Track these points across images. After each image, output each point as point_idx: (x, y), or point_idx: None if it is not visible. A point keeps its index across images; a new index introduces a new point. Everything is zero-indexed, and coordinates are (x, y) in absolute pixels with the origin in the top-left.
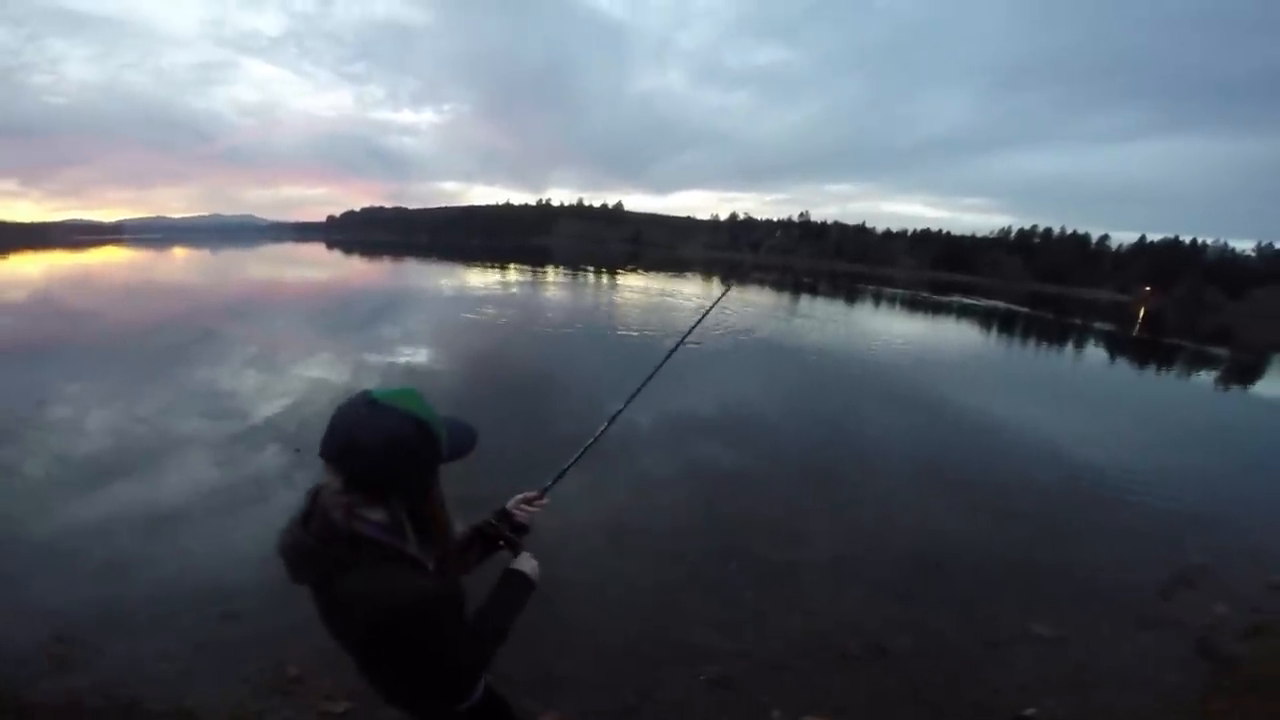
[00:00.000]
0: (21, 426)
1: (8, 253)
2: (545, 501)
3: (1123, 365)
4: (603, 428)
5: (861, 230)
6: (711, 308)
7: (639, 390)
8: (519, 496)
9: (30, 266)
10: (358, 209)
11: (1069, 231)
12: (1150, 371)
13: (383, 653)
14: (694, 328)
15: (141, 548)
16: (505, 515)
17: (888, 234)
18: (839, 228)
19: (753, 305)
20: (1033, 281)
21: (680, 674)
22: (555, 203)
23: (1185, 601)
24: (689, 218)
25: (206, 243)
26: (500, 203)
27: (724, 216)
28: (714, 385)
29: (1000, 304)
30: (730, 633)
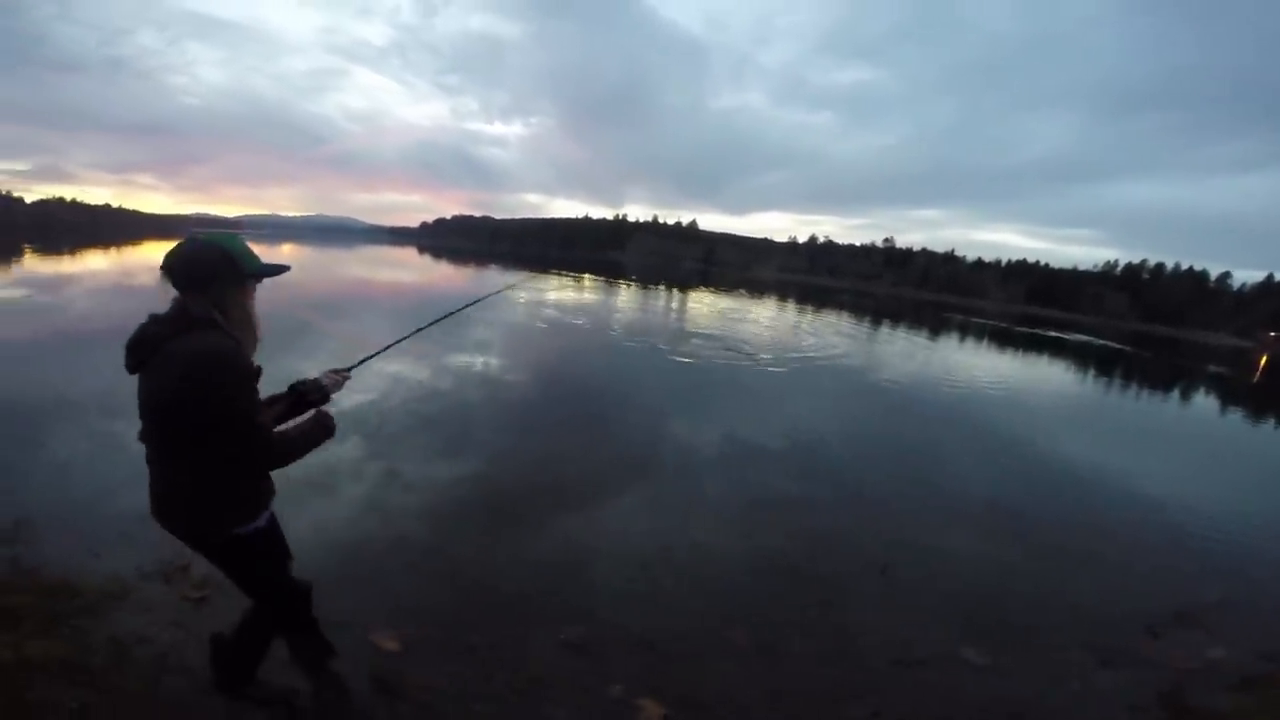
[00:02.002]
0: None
1: (143, 240)
2: (349, 378)
3: (1232, 412)
4: (409, 334)
5: (950, 259)
6: (515, 285)
7: (445, 317)
8: (330, 369)
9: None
10: (448, 216)
11: (1183, 268)
12: (1265, 422)
13: (189, 394)
14: (504, 289)
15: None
16: (316, 381)
17: (979, 263)
18: (925, 255)
19: (829, 332)
20: (1139, 321)
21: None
22: (631, 218)
23: (1176, 641)
24: (765, 239)
25: (311, 241)
26: (578, 216)
27: (803, 239)
28: (780, 409)
29: (1100, 341)
30: (622, 608)
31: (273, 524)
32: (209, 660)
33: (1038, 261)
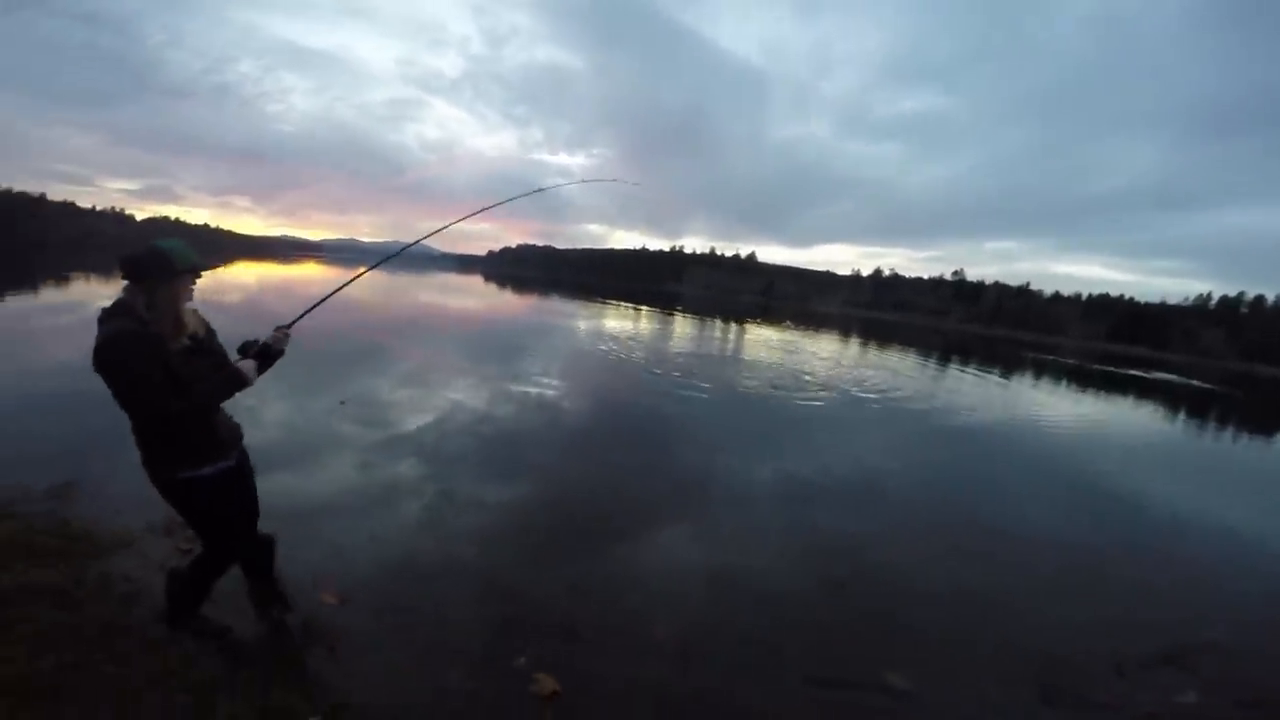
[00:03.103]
0: None
1: (237, 260)
2: (289, 335)
3: None
4: (313, 306)
5: (1024, 292)
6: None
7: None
8: (276, 326)
9: (250, 272)
10: (513, 245)
11: None
12: None
13: (100, 369)
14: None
15: None
16: (261, 341)
17: (1056, 297)
18: (998, 288)
19: (889, 371)
20: (1237, 360)
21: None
22: (688, 249)
23: (1145, 682)
24: (828, 272)
25: (386, 265)
26: (637, 247)
27: (867, 272)
28: (837, 444)
29: (1191, 381)
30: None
31: (229, 476)
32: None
33: (1121, 295)
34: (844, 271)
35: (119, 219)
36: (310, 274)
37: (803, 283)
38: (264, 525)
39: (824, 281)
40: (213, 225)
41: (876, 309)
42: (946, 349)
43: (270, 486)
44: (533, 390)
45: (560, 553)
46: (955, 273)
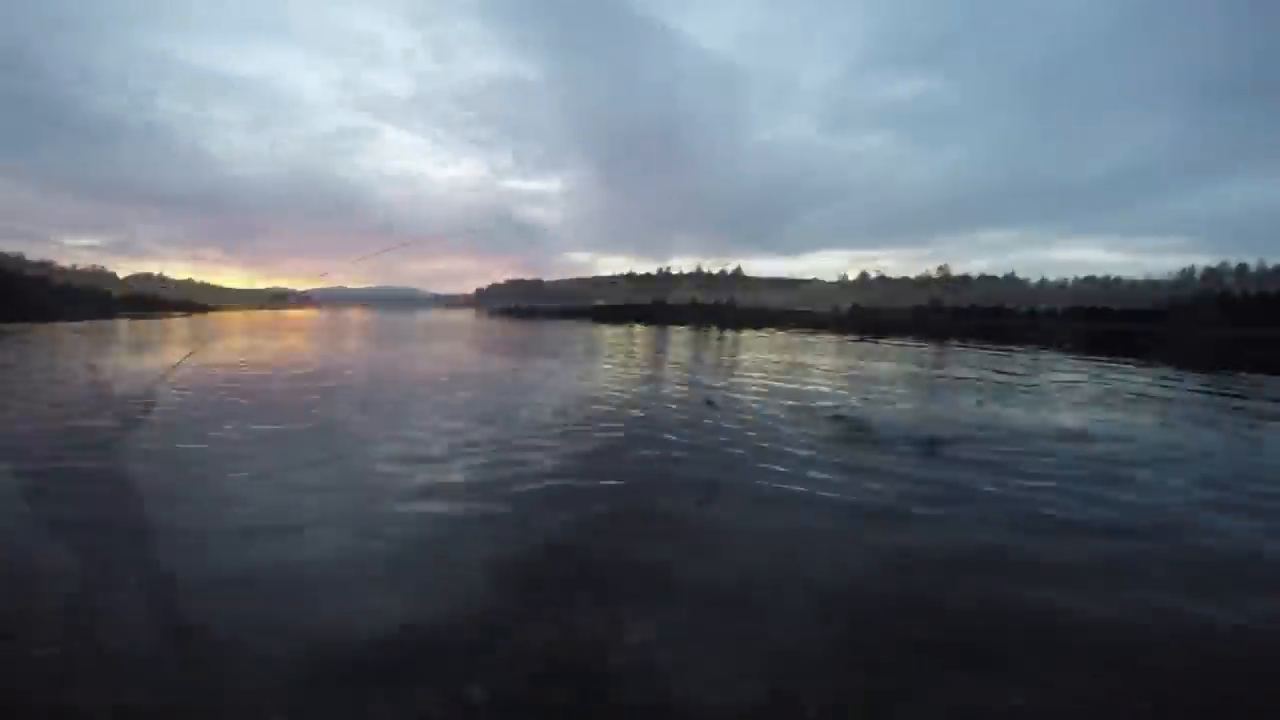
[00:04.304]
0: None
1: (229, 309)
2: None
3: None
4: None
5: (1011, 280)
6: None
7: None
8: None
9: (271, 319)
10: (501, 281)
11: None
12: None
13: None
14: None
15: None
16: None
17: (1043, 283)
18: (985, 280)
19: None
20: (1232, 328)
21: None
22: (675, 270)
23: None
24: (814, 279)
25: (379, 307)
26: (624, 273)
27: (855, 276)
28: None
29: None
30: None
31: None
32: None
33: (1108, 275)
34: (831, 278)
35: (101, 277)
36: (309, 317)
37: (789, 292)
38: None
39: (811, 289)
40: (198, 280)
41: (864, 312)
42: (934, 340)
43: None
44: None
45: None
46: (940, 268)
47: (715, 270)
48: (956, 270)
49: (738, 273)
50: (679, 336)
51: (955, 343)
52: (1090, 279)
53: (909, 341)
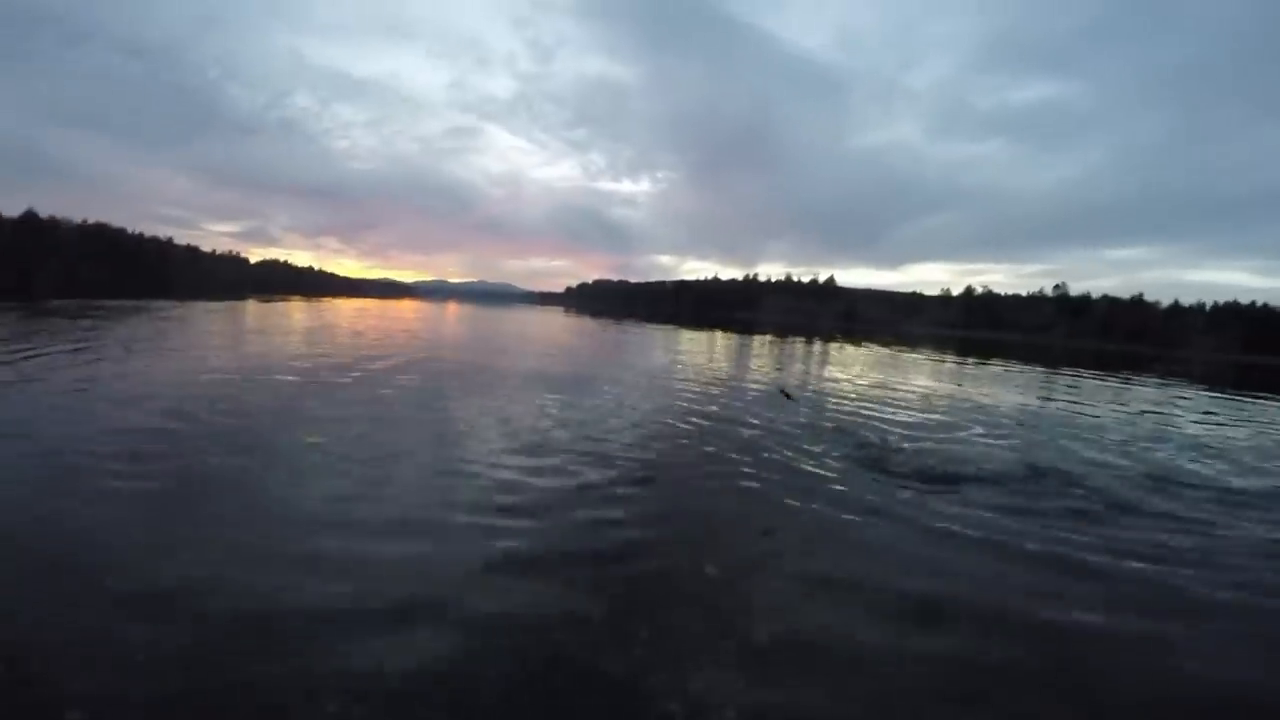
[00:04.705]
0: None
1: (345, 297)
2: None
3: None
4: None
5: (1138, 303)
6: None
7: None
8: None
9: (385, 308)
10: (590, 281)
11: None
12: None
13: None
14: None
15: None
16: None
17: (1175, 308)
18: (1107, 301)
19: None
20: None
21: None
22: (763, 277)
23: None
24: (914, 293)
25: (476, 303)
26: (709, 277)
27: (959, 291)
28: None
29: None
30: None
31: None
32: None
33: (1253, 302)
34: (935, 291)
35: (236, 262)
36: (417, 308)
37: (888, 305)
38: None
39: (912, 303)
40: (316, 268)
41: (970, 329)
42: (1050, 366)
43: None
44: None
45: None
46: (1057, 286)
47: (806, 279)
48: (1076, 289)
49: (830, 282)
50: (761, 346)
51: (1088, 372)
52: (1234, 304)
53: (1026, 367)
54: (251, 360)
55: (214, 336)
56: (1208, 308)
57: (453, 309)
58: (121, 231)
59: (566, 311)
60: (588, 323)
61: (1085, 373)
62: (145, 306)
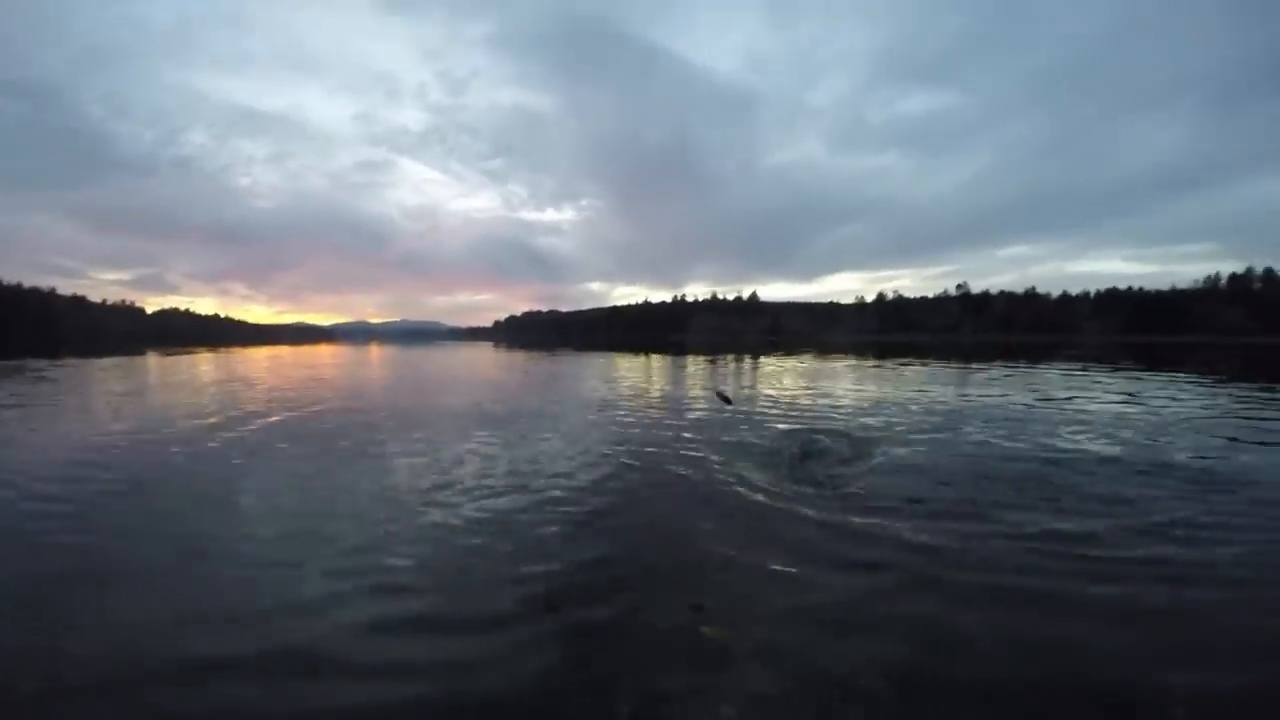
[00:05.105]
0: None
1: (254, 346)
2: None
3: None
4: None
5: (1032, 297)
6: None
7: None
8: None
9: (300, 356)
10: (518, 313)
11: None
12: None
13: None
14: None
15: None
16: None
17: (1064, 298)
18: (1005, 296)
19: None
20: (1262, 335)
21: None
22: (690, 298)
23: None
24: (832, 303)
25: (398, 343)
26: (639, 302)
27: (872, 298)
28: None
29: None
30: None
31: None
32: None
33: (1130, 286)
34: (849, 300)
35: (131, 312)
36: (336, 354)
37: (810, 317)
38: None
39: (829, 313)
40: (222, 315)
41: (885, 333)
42: (959, 360)
43: None
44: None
45: None
46: (959, 286)
47: (731, 296)
48: (976, 287)
49: (754, 298)
50: (696, 366)
51: (998, 364)
52: (1113, 290)
53: (943, 363)
54: (150, 421)
55: (101, 398)
56: (1092, 295)
57: (375, 351)
58: None
59: (496, 346)
60: (517, 356)
61: (999, 365)
62: (22, 366)
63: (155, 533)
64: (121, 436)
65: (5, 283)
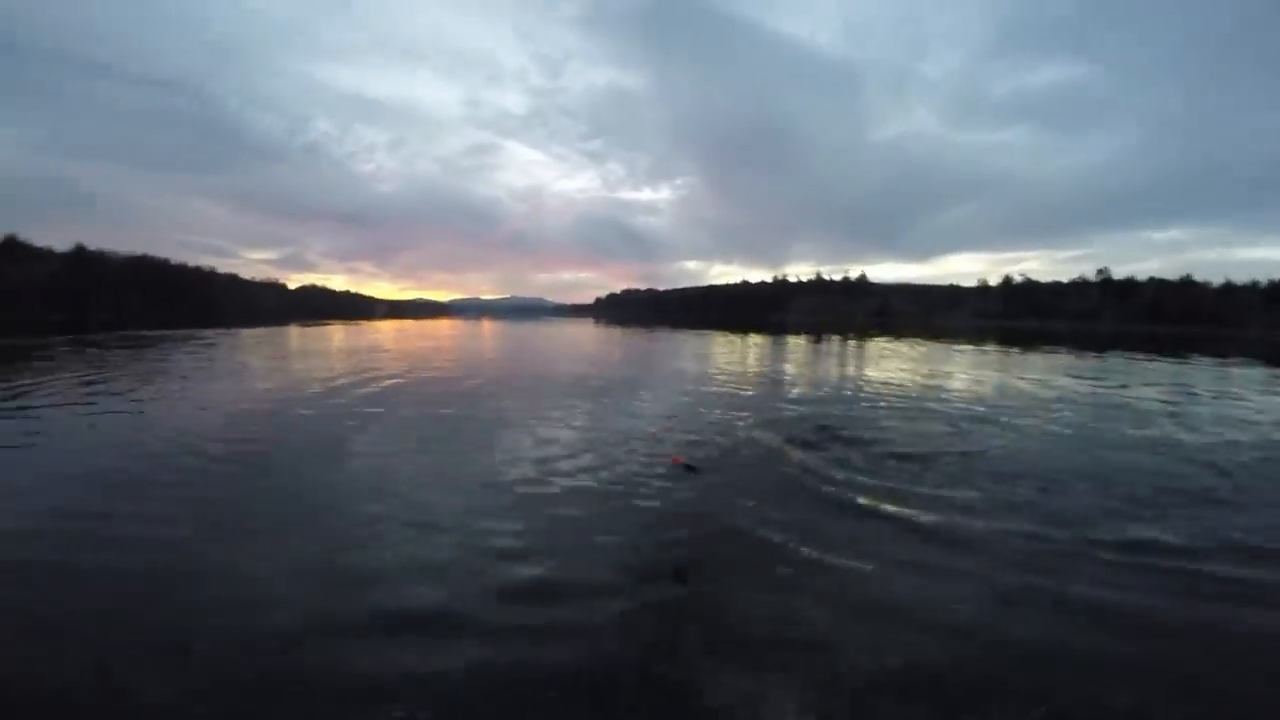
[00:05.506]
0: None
1: (382, 319)
2: None
3: None
4: None
5: (1188, 284)
6: None
7: None
8: None
9: (429, 328)
10: (618, 291)
11: None
12: None
13: None
14: None
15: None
16: None
17: (1227, 287)
18: (1155, 284)
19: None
20: None
21: None
22: (792, 278)
23: None
24: (951, 285)
25: (508, 318)
26: (737, 281)
27: (996, 281)
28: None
29: None
30: None
31: None
32: None
33: None
34: (970, 283)
35: (276, 288)
36: (454, 327)
37: (922, 299)
38: None
39: (946, 295)
40: (352, 291)
41: (1010, 318)
42: (1103, 351)
43: None
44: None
45: None
46: (1100, 270)
47: (837, 276)
48: (1119, 273)
49: (862, 279)
50: (797, 346)
51: (1143, 355)
52: None
53: (1078, 352)
54: (292, 381)
55: (273, 360)
56: (1263, 285)
57: (487, 325)
58: (165, 262)
59: (597, 322)
60: (616, 332)
61: (1145, 356)
62: (194, 335)
63: (289, 491)
64: (272, 394)
65: (173, 263)
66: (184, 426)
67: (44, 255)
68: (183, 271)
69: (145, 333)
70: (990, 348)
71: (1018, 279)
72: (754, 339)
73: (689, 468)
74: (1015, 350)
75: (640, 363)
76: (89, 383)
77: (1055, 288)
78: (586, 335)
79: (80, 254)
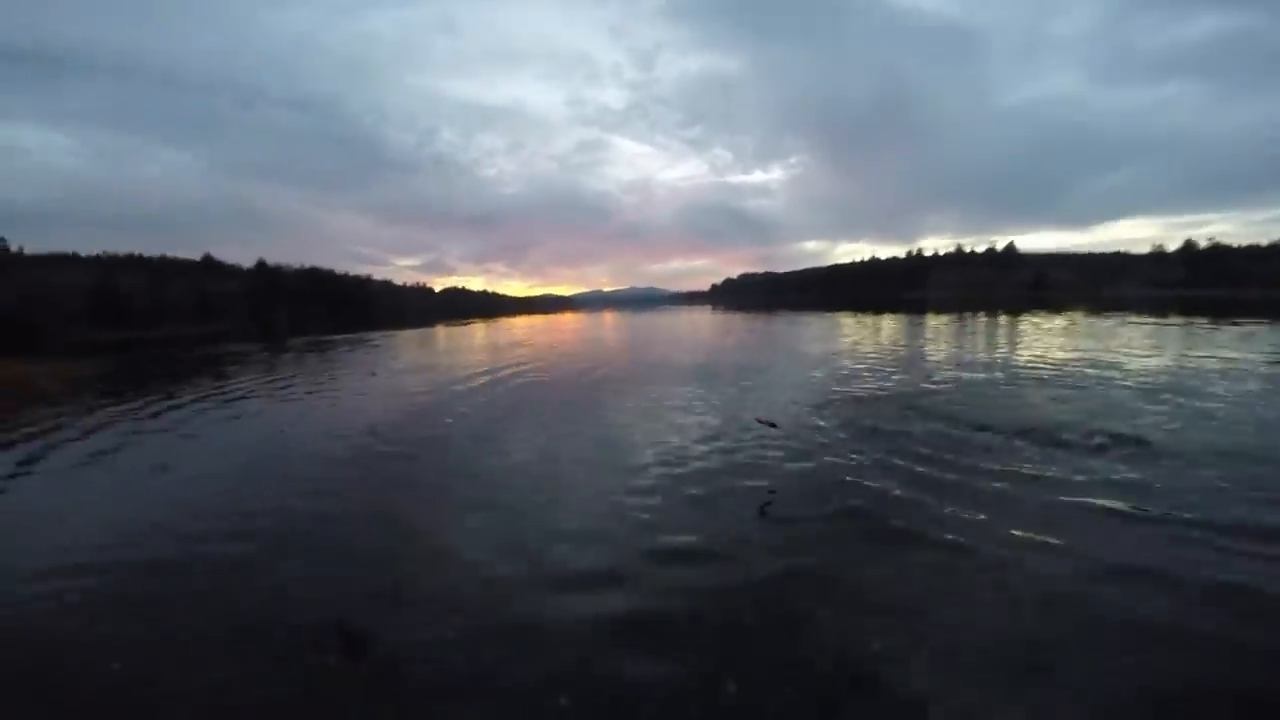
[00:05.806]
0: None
1: (516, 315)
2: None
3: None
4: None
5: None
6: None
7: None
8: None
9: (564, 322)
10: (734, 276)
11: None
12: None
13: None
14: None
15: None
16: None
17: None
18: None
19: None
20: None
21: None
22: (928, 252)
23: None
24: (1117, 253)
25: (626, 309)
26: (865, 259)
27: (1175, 247)
28: None
29: None
30: None
31: None
32: None
33: None
34: (1144, 249)
35: (424, 292)
36: (580, 319)
37: (1084, 269)
38: None
39: (1112, 264)
40: (489, 291)
41: (1194, 287)
42: None
43: None
44: None
45: None
46: None
47: (981, 248)
48: None
49: (1010, 249)
50: (939, 326)
51: None
52: None
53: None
54: (443, 376)
55: (433, 357)
56: None
57: (609, 317)
58: (330, 273)
59: (714, 309)
60: (735, 318)
61: None
62: (363, 338)
63: (469, 471)
64: (443, 387)
65: (338, 273)
66: (374, 419)
67: (235, 272)
68: (345, 280)
69: (322, 338)
70: (1175, 320)
71: (1202, 244)
72: (888, 321)
73: (770, 424)
74: (1202, 322)
75: (759, 349)
76: (315, 379)
77: (1251, 252)
78: (704, 322)
79: (263, 268)
